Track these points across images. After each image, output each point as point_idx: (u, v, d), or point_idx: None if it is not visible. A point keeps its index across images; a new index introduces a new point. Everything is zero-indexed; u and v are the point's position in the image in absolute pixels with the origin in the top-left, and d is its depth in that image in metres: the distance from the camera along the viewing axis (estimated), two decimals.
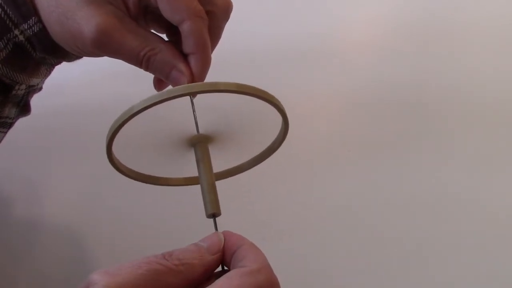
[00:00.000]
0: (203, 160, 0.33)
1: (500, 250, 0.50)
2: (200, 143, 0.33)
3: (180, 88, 0.29)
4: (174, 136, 0.33)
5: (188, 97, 0.33)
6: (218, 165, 0.35)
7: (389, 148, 0.60)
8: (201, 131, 0.33)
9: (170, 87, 0.32)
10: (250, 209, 0.53)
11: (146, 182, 0.36)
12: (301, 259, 0.49)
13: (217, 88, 0.29)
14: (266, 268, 0.27)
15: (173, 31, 0.35)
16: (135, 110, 0.28)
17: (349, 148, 0.60)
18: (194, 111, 0.33)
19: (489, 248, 0.51)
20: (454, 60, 0.73)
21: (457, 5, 0.84)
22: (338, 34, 0.78)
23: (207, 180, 0.32)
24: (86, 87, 0.65)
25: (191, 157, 0.34)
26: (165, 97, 0.28)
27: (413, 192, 0.55)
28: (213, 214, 0.31)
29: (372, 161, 0.58)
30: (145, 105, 0.28)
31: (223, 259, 0.29)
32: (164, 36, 0.36)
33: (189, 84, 0.31)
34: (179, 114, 0.33)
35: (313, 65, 0.71)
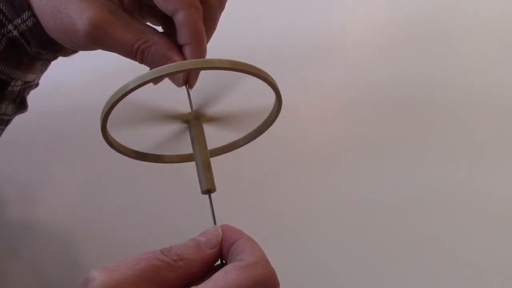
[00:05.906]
0: (197, 137, 0.32)
1: (502, 249, 0.50)
2: (194, 120, 0.33)
3: (175, 66, 0.28)
4: (168, 114, 0.33)
5: (181, 75, 0.33)
6: (212, 142, 0.34)
7: (390, 147, 0.59)
8: (195, 108, 0.33)
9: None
10: (250, 209, 0.53)
11: (140, 159, 0.36)
12: (301, 259, 0.49)
13: (211, 65, 0.28)
14: (263, 261, 0.26)
15: (168, 23, 0.35)
16: (130, 87, 0.28)
17: (349, 147, 0.59)
18: (187, 88, 0.33)
19: (491, 247, 0.50)
20: (456, 57, 0.73)
21: (457, 1, 0.83)
22: (338, 33, 0.78)
23: (202, 157, 0.32)
24: (84, 87, 0.65)
25: (185, 134, 0.33)
26: (160, 74, 0.28)
27: (414, 191, 0.55)
28: (208, 190, 0.31)
29: (372, 160, 0.58)
30: (140, 82, 0.28)
31: (220, 253, 0.28)
32: (160, 28, 0.36)
33: (184, 61, 0.30)
34: (172, 91, 0.33)
35: (313, 64, 0.70)
